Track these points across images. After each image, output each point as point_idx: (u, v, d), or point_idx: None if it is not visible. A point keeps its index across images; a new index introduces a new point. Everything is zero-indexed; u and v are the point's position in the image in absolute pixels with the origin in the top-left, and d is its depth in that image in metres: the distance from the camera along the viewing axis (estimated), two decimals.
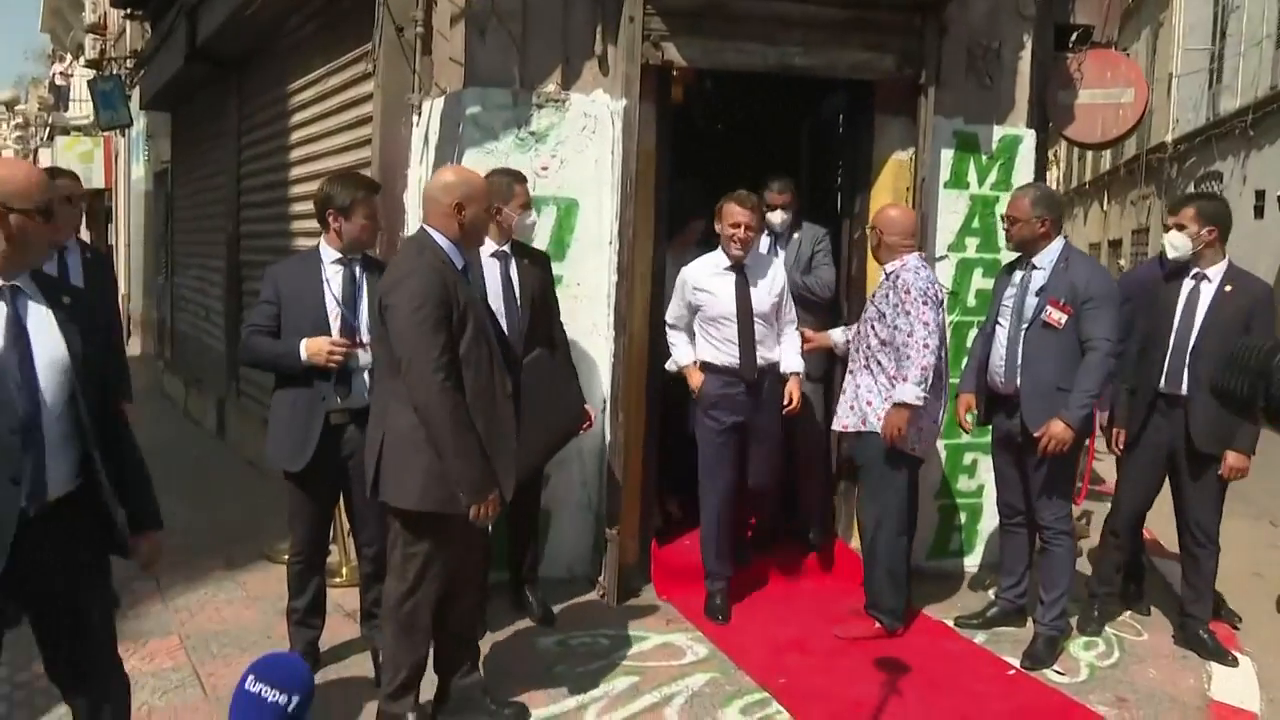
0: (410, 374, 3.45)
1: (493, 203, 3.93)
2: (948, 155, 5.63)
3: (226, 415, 8.70)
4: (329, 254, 4.20)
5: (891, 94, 5.57)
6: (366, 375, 4.08)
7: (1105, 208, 25.96)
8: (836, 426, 5.07)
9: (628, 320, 5.19)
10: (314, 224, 6.63)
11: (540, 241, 5.14)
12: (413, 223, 5.46)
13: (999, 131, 5.72)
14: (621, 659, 4.64)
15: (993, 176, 5.71)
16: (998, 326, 4.88)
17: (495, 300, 4.47)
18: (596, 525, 5.39)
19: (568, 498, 5.41)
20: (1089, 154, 26.22)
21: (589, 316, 5.28)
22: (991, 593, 5.40)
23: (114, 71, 13.31)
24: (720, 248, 5.03)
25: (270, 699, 1.38)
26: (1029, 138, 5.78)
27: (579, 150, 5.28)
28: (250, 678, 1.39)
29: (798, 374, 5.17)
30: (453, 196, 3.62)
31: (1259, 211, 16.81)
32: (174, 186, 12.07)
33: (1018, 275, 4.84)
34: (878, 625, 4.97)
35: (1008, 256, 5.52)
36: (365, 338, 4.09)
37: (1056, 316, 4.64)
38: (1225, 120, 18.53)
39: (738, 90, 7.11)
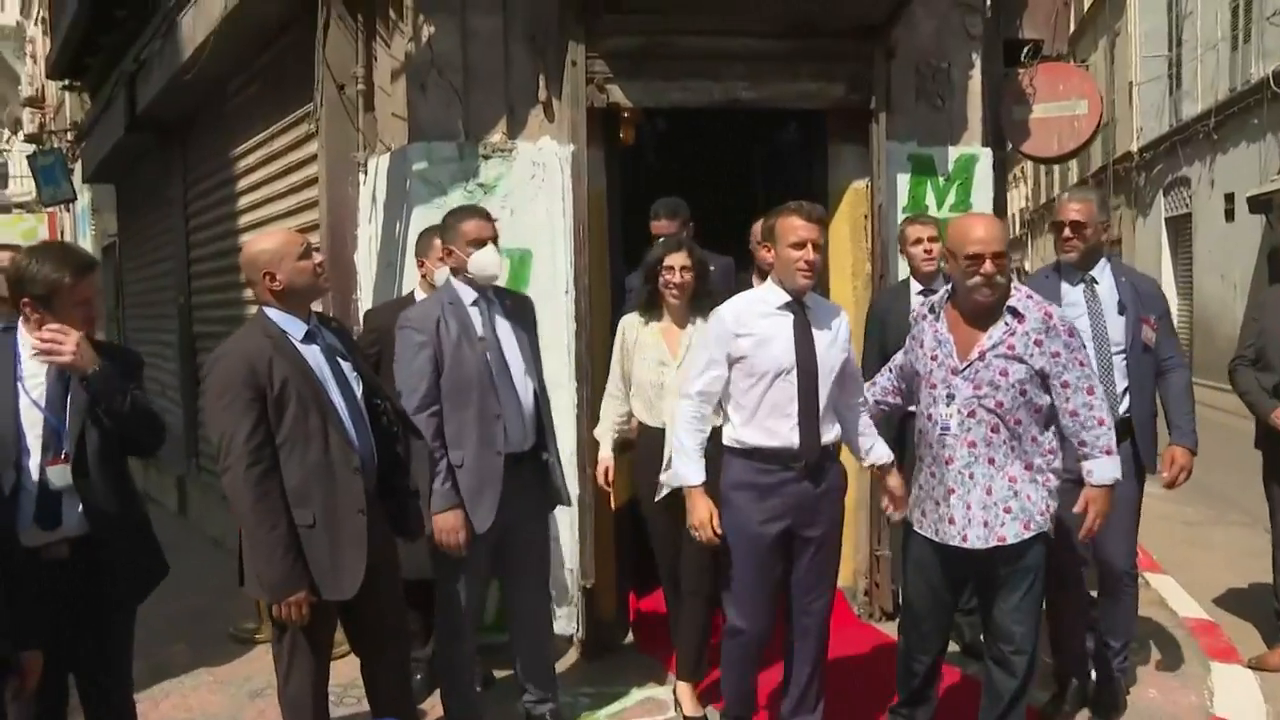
0: (220, 461, 3.33)
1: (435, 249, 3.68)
2: (904, 180, 5.55)
3: (188, 493, 8.53)
4: (28, 346, 3.23)
5: (843, 121, 5.50)
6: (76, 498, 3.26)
7: None
8: (983, 544, 3.58)
9: (590, 370, 5.06)
10: None
11: None
12: (365, 285, 5.37)
13: (954, 152, 5.64)
14: (603, 717, 4.51)
15: (951, 198, 5.62)
16: None
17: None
18: (571, 581, 5.24)
19: None
20: (1055, 168, 26.42)
21: (550, 367, 5.12)
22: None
23: (54, 145, 13.24)
24: (770, 281, 3.85)
25: None
26: (985, 156, 5.71)
27: (529, 199, 5.18)
28: None
29: (888, 466, 3.94)
30: (258, 269, 3.41)
31: (1229, 215, 16.84)
32: (123, 259, 11.95)
33: (1074, 293, 4.25)
34: None
35: None
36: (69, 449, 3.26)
37: (1150, 336, 4.21)
38: (1188, 125, 18.61)
39: (690, 126, 7.05)
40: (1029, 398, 3.55)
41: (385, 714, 3.70)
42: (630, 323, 4.53)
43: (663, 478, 3.97)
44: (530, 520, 4.14)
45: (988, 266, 3.50)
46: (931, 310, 3.78)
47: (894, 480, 3.91)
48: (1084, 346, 3.70)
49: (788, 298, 3.73)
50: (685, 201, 5.18)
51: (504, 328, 4.05)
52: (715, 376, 3.73)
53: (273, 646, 3.56)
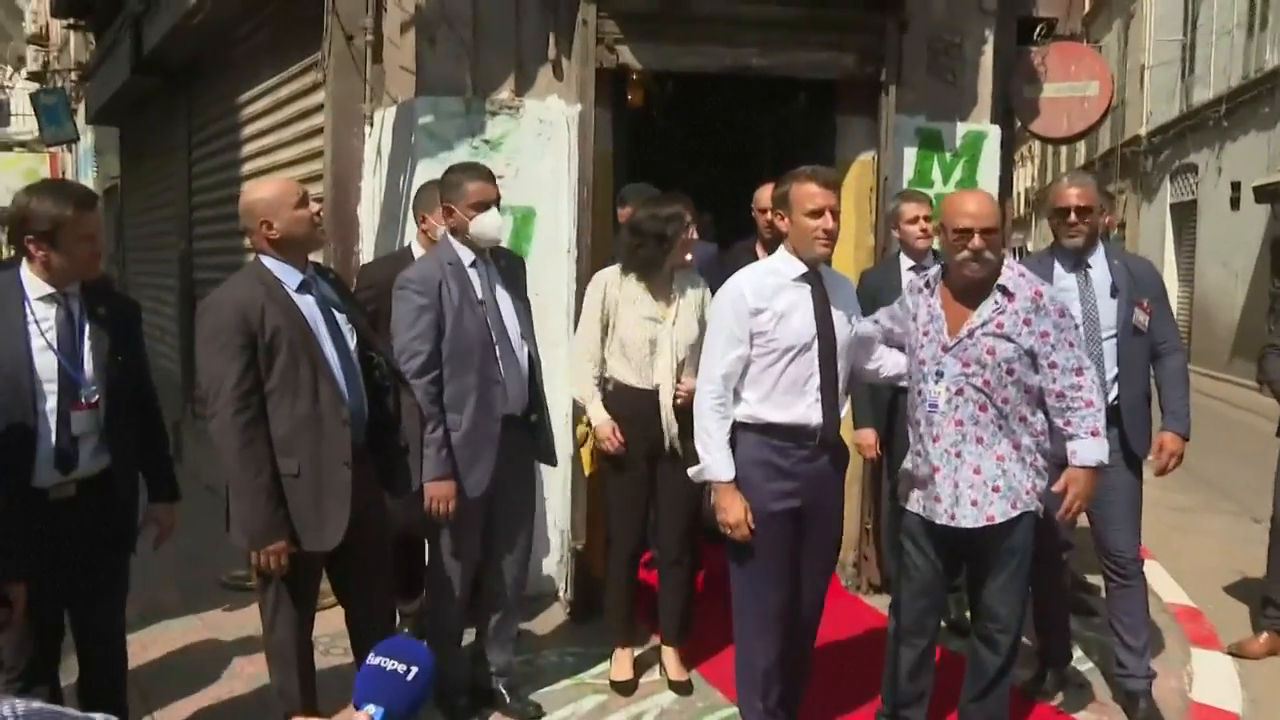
0: (209, 406, 3.35)
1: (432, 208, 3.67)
2: (911, 154, 5.54)
3: (183, 439, 8.52)
4: (35, 287, 3.20)
5: (852, 93, 5.48)
6: (95, 439, 3.28)
7: None
8: (972, 523, 3.51)
9: None
10: None
11: None
12: (367, 237, 5.36)
13: (963, 128, 5.63)
14: (588, 678, 4.54)
15: (958, 174, 5.61)
16: None
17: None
18: (562, 541, 5.27)
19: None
20: (1063, 149, 26.31)
21: (550, 326, 5.14)
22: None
23: (58, 84, 13.14)
24: (784, 251, 3.64)
25: (389, 668, 1.41)
26: (994, 134, 5.69)
27: (535, 157, 5.17)
28: (371, 654, 1.43)
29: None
30: (254, 217, 3.41)
31: (1235, 203, 16.80)
32: (124, 203, 11.89)
33: (1068, 278, 4.18)
34: None
35: None
36: (92, 394, 3.26)
37: (1143, 320, 4.15)
38: (1199, 111, 18.54)
39: (700, 92, 7.02)
40: (1017, 377, 3.48)
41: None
42: (610, 277, 4.35)
43: (690, 472, 3.71)
44: (517, 484, 4.13)
45: (976, 242, 3.43)
46: (927, 285, 3.68)
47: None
48: (1076, 327, 3.64)
49: (804, 268, 3.56)
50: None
51: (501, 290, 4.03)
52: (738, 357, 3.54)
53: (258, 595, 3.59)
